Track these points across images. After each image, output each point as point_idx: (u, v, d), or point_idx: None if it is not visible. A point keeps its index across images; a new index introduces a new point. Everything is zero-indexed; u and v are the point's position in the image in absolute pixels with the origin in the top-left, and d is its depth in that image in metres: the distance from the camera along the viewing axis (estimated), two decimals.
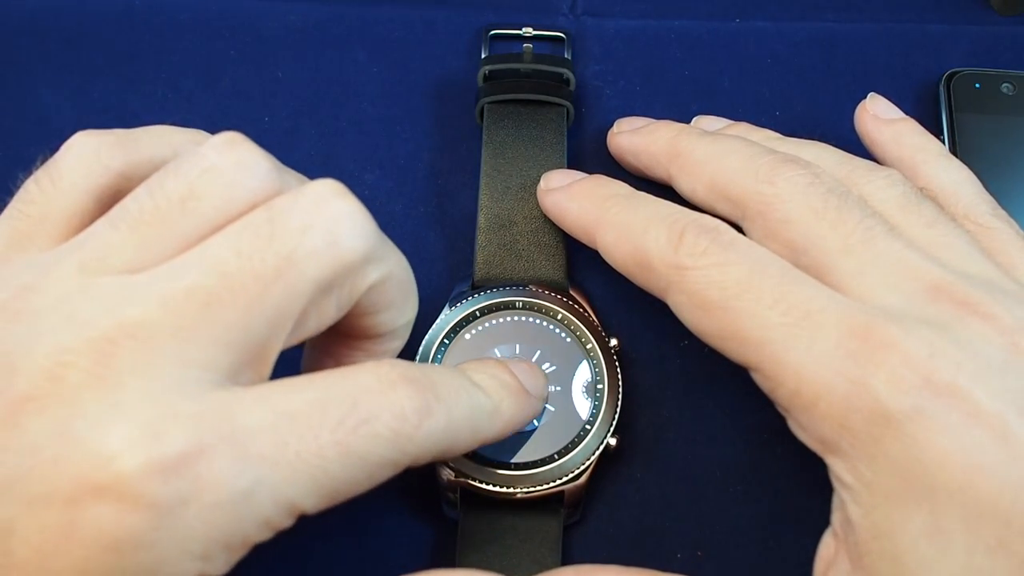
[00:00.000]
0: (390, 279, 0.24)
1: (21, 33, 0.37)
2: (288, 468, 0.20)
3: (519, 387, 0.26)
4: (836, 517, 0.25)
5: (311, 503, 0.21)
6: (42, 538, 0.19)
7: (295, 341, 0.23)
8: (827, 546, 0.25)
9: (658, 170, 0.31)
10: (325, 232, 0.21)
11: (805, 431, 0.25)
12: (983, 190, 0.29)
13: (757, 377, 0.25)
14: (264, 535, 0.21)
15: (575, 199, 0.30)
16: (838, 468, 0.24)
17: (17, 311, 0.20)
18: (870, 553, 0.23)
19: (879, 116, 0.31)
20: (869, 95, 0.32)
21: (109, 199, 0.23)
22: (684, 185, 0.30)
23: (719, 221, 0.27)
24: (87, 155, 0.24)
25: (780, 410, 0.26)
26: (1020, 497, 0.21)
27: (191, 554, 0.19)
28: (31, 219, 0.23)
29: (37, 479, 0.19)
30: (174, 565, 0.19)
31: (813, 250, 0.26)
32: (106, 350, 0.20)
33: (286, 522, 0.21)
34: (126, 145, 0.24)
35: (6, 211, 0.24)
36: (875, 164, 0.29)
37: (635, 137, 0.32)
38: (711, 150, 0.29)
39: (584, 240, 0.30)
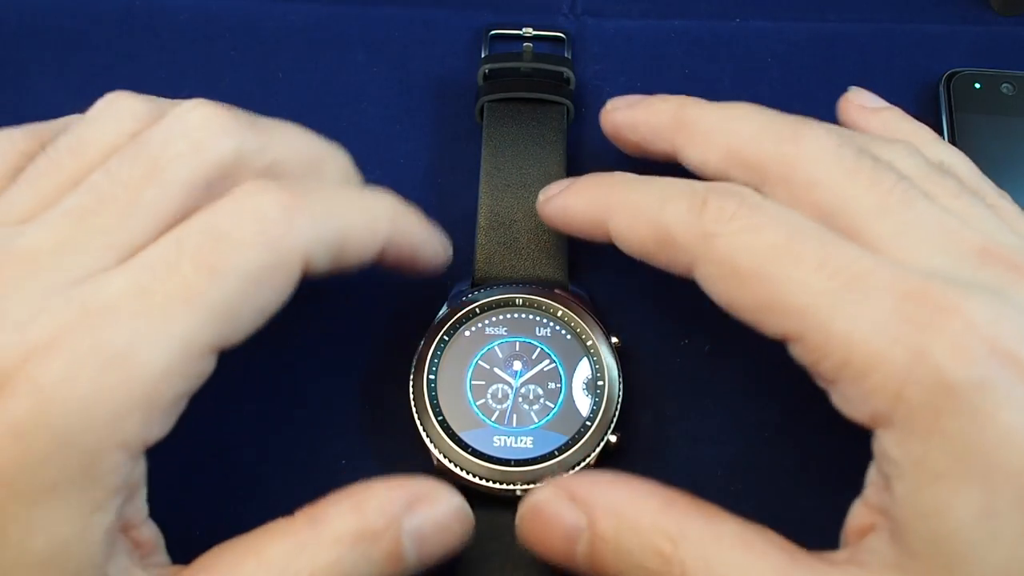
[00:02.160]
0: (283, 160, 0.25)
1: (21, 33, 0.37)
2: (161, 312, 0.21)
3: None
4: (871, 490, 0.23)
5: (212, 335, 0.22)
6: None
7: None
8: (859, 516, 0.23)
9: (660, 144, 0.29)
10: (186, 139, 0.23)
11: (851, 404, 0.22)
12: (981, 172, 0.28)
13: (797, 349, 0.23)
14: (186, 385, 0.22)
15: (580, 194, 0.28)
16: (887, 442, 0.22)
17: None
18: (913, 532, 0.21)
19: (865, 106, 0.30)
20: (850, 88, 0.31)
21: None
22: (693, 156, 0.27)
23: (741, 185, 0.25)
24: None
25: (822, 383, 0.23)
26: None
27: (102, 424, 0.20)
28: None
29: None
30: (99, 441, 0.20)
31: (846, 211, 0.24)
32: None
33: (199, 364, 0.22)
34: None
35: None
36: (888, 137, 0.27)
37: (633, 111, 0.30)
38: (722, 116, 0.27)
39: (595, 235, 0.28)
